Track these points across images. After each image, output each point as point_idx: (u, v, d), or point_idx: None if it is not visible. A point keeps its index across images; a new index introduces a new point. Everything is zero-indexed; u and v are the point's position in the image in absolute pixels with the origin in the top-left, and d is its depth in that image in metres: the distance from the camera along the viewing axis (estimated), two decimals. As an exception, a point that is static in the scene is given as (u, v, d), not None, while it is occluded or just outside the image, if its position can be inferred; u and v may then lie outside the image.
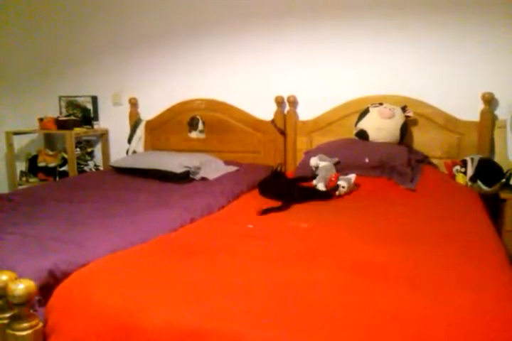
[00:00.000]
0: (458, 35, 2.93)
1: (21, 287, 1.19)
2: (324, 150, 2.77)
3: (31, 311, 1.27)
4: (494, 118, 2.87)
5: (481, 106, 2.87)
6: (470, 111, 2.91)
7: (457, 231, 1.81)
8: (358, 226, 1.88)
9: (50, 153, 3.89)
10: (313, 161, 2.62)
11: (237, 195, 2.61)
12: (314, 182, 2.52)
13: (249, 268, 1.43)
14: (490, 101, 2.83)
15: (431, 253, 1.54)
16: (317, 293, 1.24)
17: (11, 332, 1.23)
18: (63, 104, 3.98)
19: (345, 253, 1.55)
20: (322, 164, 2.57)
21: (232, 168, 3.14)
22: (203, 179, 2.93)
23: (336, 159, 2.66)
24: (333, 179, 2.44)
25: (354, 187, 2.49)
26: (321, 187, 2.44)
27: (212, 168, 3.07)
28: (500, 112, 2.87)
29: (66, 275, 1.45)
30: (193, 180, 2.93)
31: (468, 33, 2.91)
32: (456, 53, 2.95)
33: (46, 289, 1.41)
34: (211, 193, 2.56)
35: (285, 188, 2.45)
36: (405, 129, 2.91)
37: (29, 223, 1.99)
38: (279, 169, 2.84)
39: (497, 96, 2.87)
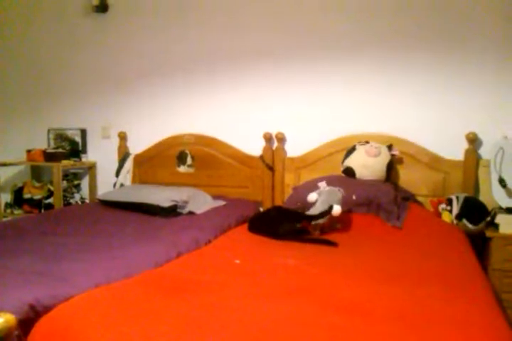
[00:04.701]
0: (444, 77, 3.02)
1: (1, 321, 1.15)
2: (312, 186, 2.78)
3: (10, 347, 1.23)
4: (478, 157, 2.93)
5: (465, 145, 2.94)
6: (455, 151, 2.97)
7: (443, 269, 1.81)
8: (344, 264, 1.87)
9: (36, 184, 3.86)
10: (321, 184, 2.57)
11: (224, 230, 2.59)
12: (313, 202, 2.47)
13: (234, 305, 1.41)
14: (474, 140, 2.90)
15: (417, 292, 1.53)
16: (303, 330, 1.22)
17: (-13, 368, 1.18)
18: (52, 136, 3.99)
19: (331, 292, 1.53)
20: (327, 188, 2.52)
21: (220, 203, 3.13)
22: (191, 213, 2.92)
23: (342, 191, 2.56)
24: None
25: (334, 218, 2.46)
26: (314, 210, 2.40)
27: (200, 202, 3.06)
28: (484, 152, 2.94)
29: (48, 309, 1.42)
30: (180, 214, 2.92)
31: (454, 75, 3.00)
32: (441, 94, 3.04)
33: (26, 324, 1.37)
34: (198, 228, 2.54)
35: (274, 225, 2.42)
36: (391, 167, 2.95)
37: (11, 256, 1.95)
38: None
39: (481, 136, 2.94)
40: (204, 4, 3.53)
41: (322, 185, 2.54)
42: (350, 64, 3.21)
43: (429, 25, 3.02)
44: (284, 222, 2.39)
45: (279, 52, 3.37)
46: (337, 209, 2.35)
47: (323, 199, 2.43)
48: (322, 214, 2.36)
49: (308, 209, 2.46)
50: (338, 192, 2.46)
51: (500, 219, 2.57)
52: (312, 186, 2.73)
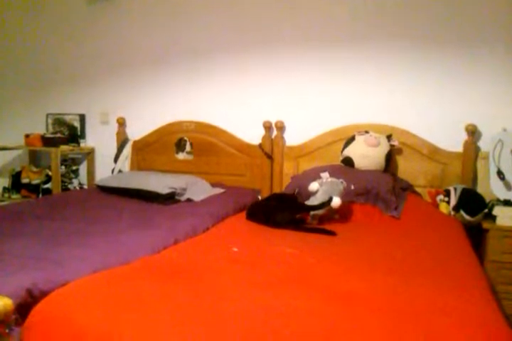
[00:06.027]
0: (444, 68, 3.01)
1: (-2, 305, 1.16)
2: (311, 176, 2.78)
3: (7, 330, 1.24)
4: (477, 149, 2.93)
5: (464, 137, 2.93)
6: (454, 142, 2.97)
7: (440, 260, 1.82)
8: (342, 254, 1.87)
9: (35, 169, 3.86)
10: (324, 175, 2.55)
11: (222, 218, 2.59)
12: (313, 197, 2.45)
13: (231, 293, 1.41)
14: (473, 132, 2.89)
15: (413, 282, 1.54)
16: (299, 320, 1.23)
17: (-16, 351, 1.19)
18: (50, 121, 3.97)
19: (328, 281, 1.54)
20: (330, 179, 2.48)
21: (219, 190, 3.13)
22: (189, 200, 2.92)
23: (345, 183, 2.51)
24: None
25: (333, 210, 2.46)
26: (314, 200, 2.40)
27: (199, 189, 3.06)
28: (483, 144, 2.94)
29: (45, 294, 1.42)
30: (178, 201, 2.92)
31: (454, 66, 2.99)
32: (441, 85, 3.02)
33: (24, 308, 1.38)
34: (196, 215, 2.55)
35: (274, 212, 2.40)
36: (390, 157, 2.95)
37: (9, 240, 1.96)
38: (296, 192, 2.69)
39: (480, 128, 2.94)
40: (206, -10, 3.50)
41: (325, 175, 2.52)
42: (350, 54, 3.19)
43: (430, 17, 2.99)
44: (282, 211, 2.39)
45: (280, 42, 3.34)
46: (336, 202, 2.34)
47: (324, 189, 2.43)
48: (321, 205, 2.36)
49: (308, 198, 2.46)
50: (340, 184, 2.46)
51: (498, 211, 2.58)
52: (311, 175, 2.72)
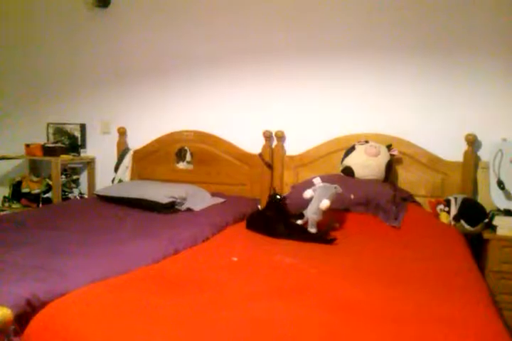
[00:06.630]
0: (443, 78, 3.03)
1: (-3, 315, 1.16)
2: (310, 185, 2.78)
3: (6, 341, 1.23)
4: (477, 159, 2.94)
5: (464, 147, 2.94)
6: (454, 152, 2.97)
7: (440, 270, 1.81)
8: (342, 264, 1.87)
9: (35, 179, 3.85)
10: (316, 180, 2.56)
11: (222, 227, 2.59)
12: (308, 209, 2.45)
13: (230, 303, 1.41)
14: (473, 142, 2.90)
15: (413, 292, 1.53)
16: (298, 330, 1.22)
17: (-18, 362, 1.18)
18: (51, 130, 3.98)
19: (328, 291, 1.53)
20: (322, 184, 2.50)
21: (219, 200, 3.13)
22: (189, 210, 2.92)
23: (339, 188, 2.51)
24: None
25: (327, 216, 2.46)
26: (310, 207, 2.40)
27: (199, 199, 3.06)
28: (483, 153, 2.94)
29: (44, 304, 1.42)
30: (178, 210, 2.92)
31: (454, 76, 3.01)
32: (441, 95, 3.04)
33: (23, 318, 1.37)
34: (196, 224, 2.55)
35: (273, 223, 2.41)
36: (390, 167, 2.95)
37: (8, 249, 1.95)
38: (273, 192, 2.69)
39: (480, 138, 2.95)
40: (205, 1, 3.52)
41: (317, 180, 2.53)
42: (350, 64, 3.21)
43: (429, 27, 3.02)
44: (281, 222, 2.39)
45: (280, 51, 3.36)
46: (324, 203, 2.36)
47: (318, 193, 2.44)
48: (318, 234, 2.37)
49: (306, 205, 2.46)
50: (332, 188, 2.46)
51: (498, 221, 2.57)
52: (310, 184, 2.72)
